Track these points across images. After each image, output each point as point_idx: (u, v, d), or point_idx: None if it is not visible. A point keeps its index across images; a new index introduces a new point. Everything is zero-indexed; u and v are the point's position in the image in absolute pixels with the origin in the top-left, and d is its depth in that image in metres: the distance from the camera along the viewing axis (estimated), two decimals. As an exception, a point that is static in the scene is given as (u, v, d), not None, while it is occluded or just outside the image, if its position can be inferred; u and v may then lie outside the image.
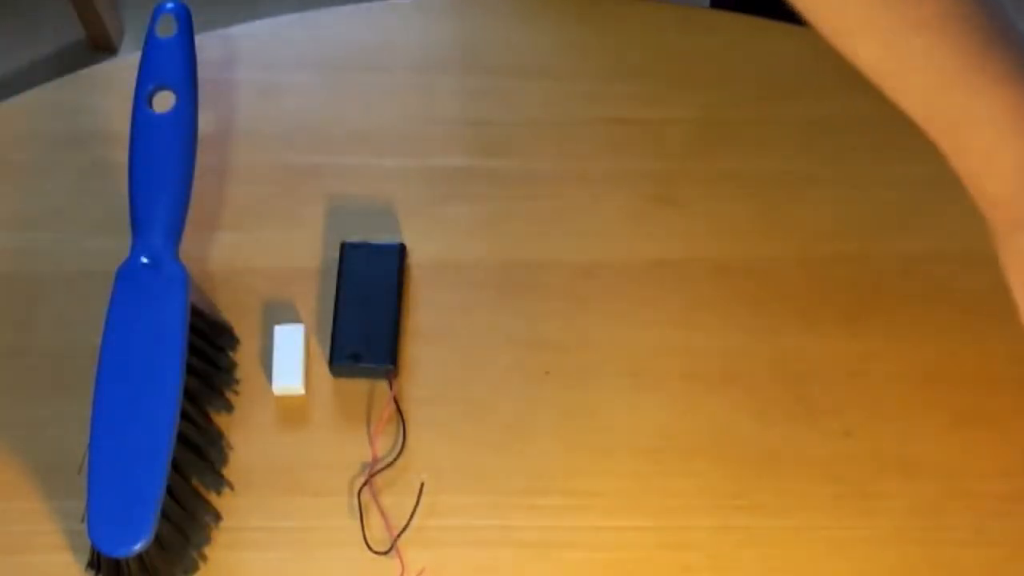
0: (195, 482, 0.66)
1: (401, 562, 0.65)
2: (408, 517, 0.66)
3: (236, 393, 0.70)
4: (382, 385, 0.70)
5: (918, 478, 0.68)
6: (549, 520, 0.67)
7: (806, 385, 0.70)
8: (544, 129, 0.77)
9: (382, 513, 0.66)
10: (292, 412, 0.70)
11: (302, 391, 0.70)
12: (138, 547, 0.60)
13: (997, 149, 0.55)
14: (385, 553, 0.65)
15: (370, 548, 0.65)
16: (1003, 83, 0.54)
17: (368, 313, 0.70)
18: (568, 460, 0.68)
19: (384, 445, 0.68)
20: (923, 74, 0.55)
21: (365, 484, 0.67)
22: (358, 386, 0.70)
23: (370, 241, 0.72)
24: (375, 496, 0.67)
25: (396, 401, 0.69)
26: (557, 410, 0.69)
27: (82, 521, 0.61)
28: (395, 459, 0.68)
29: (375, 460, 0.68)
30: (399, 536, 0.66)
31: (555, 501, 0.67)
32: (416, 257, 0.73)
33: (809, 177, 0.76)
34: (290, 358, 0.69)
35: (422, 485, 0.67)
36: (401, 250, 0.72)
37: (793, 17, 0.80)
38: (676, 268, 0.73)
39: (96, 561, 0.63)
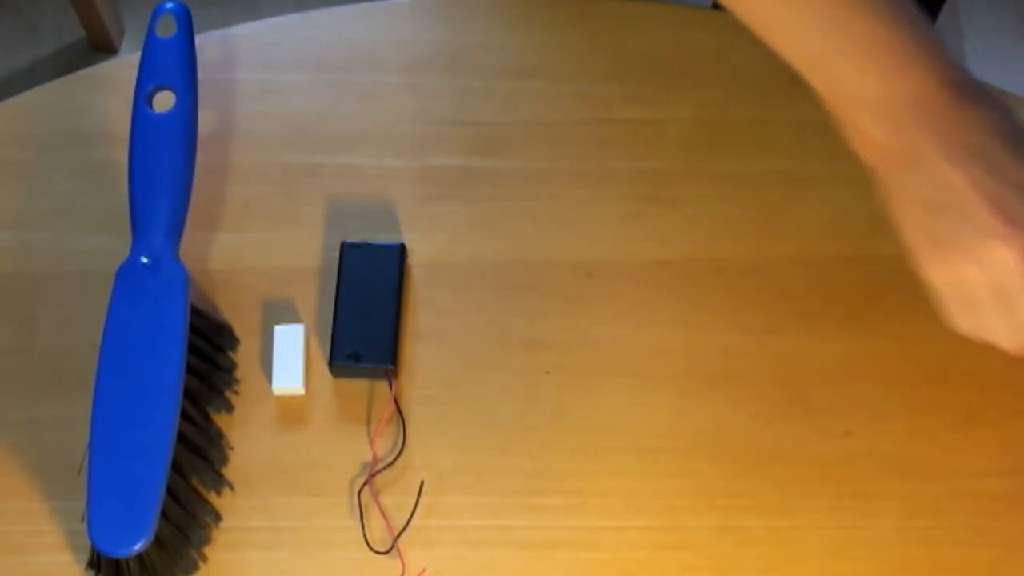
0: (195, 482, 0.66)
1: (402, 562, 0.65)
2: (408, 516, 0.66)
3: (236, 393, 0.70)
4: (382, 385, 0.70)
5: (918, 478, 0.68)
6: (549, 520, 0.67)
7: (806, 385, 0.70)
8: (543, 129, 0.77)
9: (382, 513, 0.66)
10: (292, 412, 0.70)
11: (302, 391, 0.70)
12: (138, 547, 0.60)
13: (877, 90, 0.57)
14: (386, 553, 0.65)
15: (371, 548, 0.65)
16: (882, 26, 0.56)
17: (368, 313, 0.70)
18: (568, 460, 0.68)
19: (384, 445, 0.68)
20: (808, 19, 0.58)
21: (365, 484, 0.67)
22: (358, 386, 0.70)
23: (370, 241, 0.72)
24: (375, 496, 0.67)
25: (396, 401, 0.69)
26: (557, 410, 0.69)
27: (82, 521, 0.61)
28: (395, 459, 0.68)
29: (375, 460, 0.68)
30: (399, 536, 0.66)
31: (555, 501, 0.67)
32: (416, 257, 0.73)
33: (809, 177, 0.76)
34: (290, 358, 0.69)
35: (422, 484, 0.67)
36: (401, 250, 0.72)
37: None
38: (676, 268, 0.73)
39: (96, 561, 0.63)
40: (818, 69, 0.59)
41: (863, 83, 0.58)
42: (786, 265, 0.73)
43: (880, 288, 0.73)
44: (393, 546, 0.65)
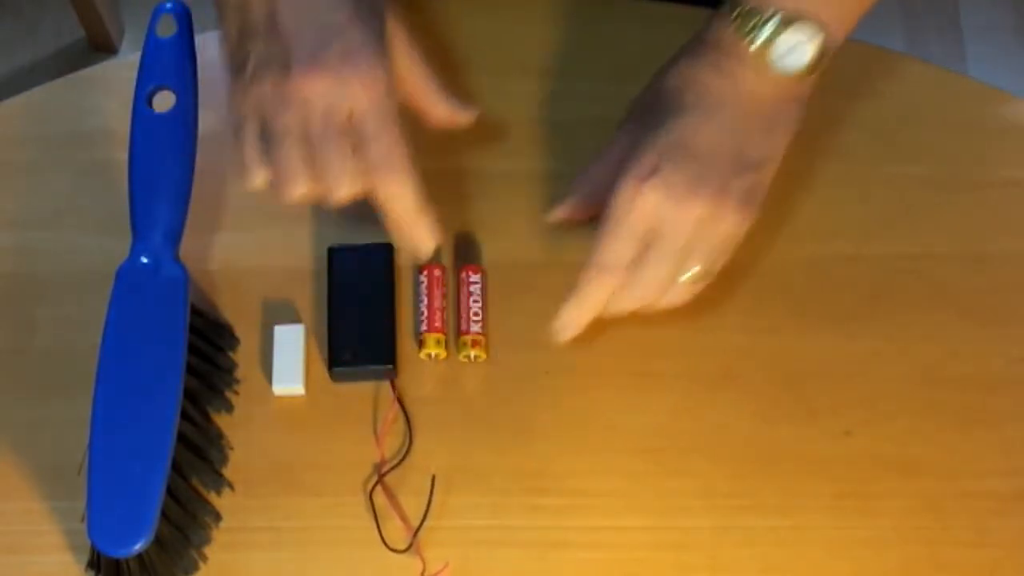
0: (195, 482, 0.66)
1: (422, 560, 0.65)
2: (423, 515, 0.66)
3: (236, 393, 0.70)
4: (382, 385, 0.70)
5: (918, 478, 0.68)
6: (549, 520, 0.67)
7: (806, 385, 0.70)
8: (544, 129, 0.77)
9: (399, 513, 0.66)
10: (292, 412, 0.70)
11: (302, 391, 0.70)
12: (138, 547, 0.60)
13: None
14: (403, 552, 0.65)
15: (388, 547, 0.65)
16: None
17: (363, 315, 0.70)
18: (568, 460, 0.68)
19: (385, 445, 0.68)
20: None
21: (377, 484, 0.67)
22: (358, 386, 0.70)
23: (357, 243, 0.72)
24: (390, 497, 0.67)
25: (400, 401, 0.69)
26: (557, 410, 0.69)
27: (82, 521, 0.61)
28: (402, 459, 0.68)
29: (383, 461, 0.68)
30: (417, 532, 0.65)
31: (555, 501, 0.67)
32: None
33: (809, 177, 0.76)
34: (290, 358, 0.69)
35: (433, 479, 0.67)
36: (389, 249, 0.72)
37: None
38: (676, 268, 0.73)
39: (96, 561, 0.63)
40: None
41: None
42: (786, 265, 0.73)
43: (880, 288, 0.73)
44: (412, 544, 0.65)
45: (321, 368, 0.70)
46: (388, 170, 0.62)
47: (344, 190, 0.61)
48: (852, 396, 0.70)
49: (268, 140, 0.61)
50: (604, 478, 0.68)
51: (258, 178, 0.62)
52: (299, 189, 0.61)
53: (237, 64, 0.63)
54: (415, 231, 0.64)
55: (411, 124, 0.78)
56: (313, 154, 0.61)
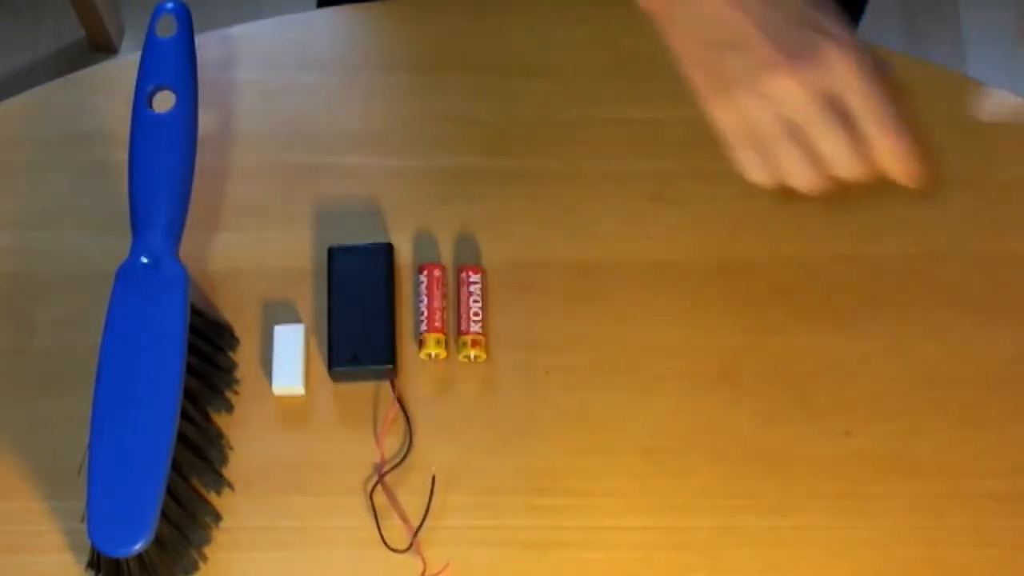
0: (195, 482, 0.66)
1: (423, 560, 0.65)
2: (423, 514, 0.66)
3: (236, 393, 0.70)
4: (382, 385, 0.70)
5: (918, 478, 0.68)
6: (549, 520, 0.67)
7: (806, 385, 0.70)
8: (544, 129, 0.77)
9: (400, 513, 0.66)
10: (292, 412, 0.70)
11: (302, 391, 0.70)
12: (138, 547, 0.60)
13: None
14: (404, 552, 0.65)
15: (389, 547, 0.65)
16: None
17: (363, 315, 0.70)
18: (568, 460, 0.68)
19: (385, 445, 0.68)
20: None
21: (377, 484, 0.67)
22: (358, 386, 0.70)
23: (357, 243, 0.72)
24: (390, 496, 0.67)
25: (400, 401, 0.69)
26: (557, 410, 0.69)
27: (82, 521, 0.61)
28: (402, 459, 0.68)
29: (383, 461, 0.68)
30: (417, 532, 0.65)
31: (555, 501, 0.67)
32: (416, 258, 0.73)
33: (809, 177, 0.76)
34: (290, 358, 0.69)
35: (434, 479, 0.67)
36: (388, 249, 0.72)
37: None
38: (676, 268, 0.73)
39: (96, 561, 0.63)
40: None
41: None
42: (786, 265, 0.73)
43: (880, 288, 0.73)
44: (412, 544, 0.65)
45: (321, 368, 0.70)
46: (889, 140, 0.61)
47: (854, 173, 0.61)
48: (852, 396, 0.70)
49: (763, 141, 0.61)
50: (604, 478, 0.68)
51: (762, 180, 0.62)
52: (807, 183, 0.62)
53: (711, 77, 0.61)
54: (916, 172, 0.63)
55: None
56: (811, 144, 0.60)
